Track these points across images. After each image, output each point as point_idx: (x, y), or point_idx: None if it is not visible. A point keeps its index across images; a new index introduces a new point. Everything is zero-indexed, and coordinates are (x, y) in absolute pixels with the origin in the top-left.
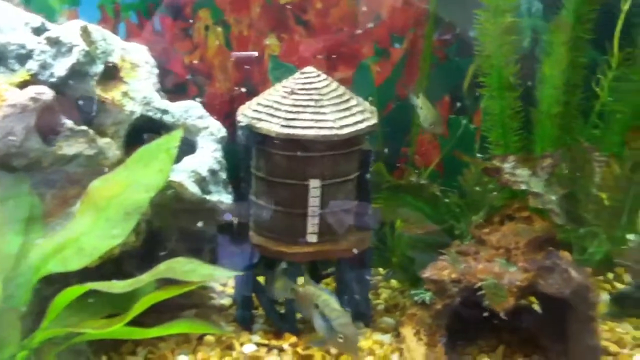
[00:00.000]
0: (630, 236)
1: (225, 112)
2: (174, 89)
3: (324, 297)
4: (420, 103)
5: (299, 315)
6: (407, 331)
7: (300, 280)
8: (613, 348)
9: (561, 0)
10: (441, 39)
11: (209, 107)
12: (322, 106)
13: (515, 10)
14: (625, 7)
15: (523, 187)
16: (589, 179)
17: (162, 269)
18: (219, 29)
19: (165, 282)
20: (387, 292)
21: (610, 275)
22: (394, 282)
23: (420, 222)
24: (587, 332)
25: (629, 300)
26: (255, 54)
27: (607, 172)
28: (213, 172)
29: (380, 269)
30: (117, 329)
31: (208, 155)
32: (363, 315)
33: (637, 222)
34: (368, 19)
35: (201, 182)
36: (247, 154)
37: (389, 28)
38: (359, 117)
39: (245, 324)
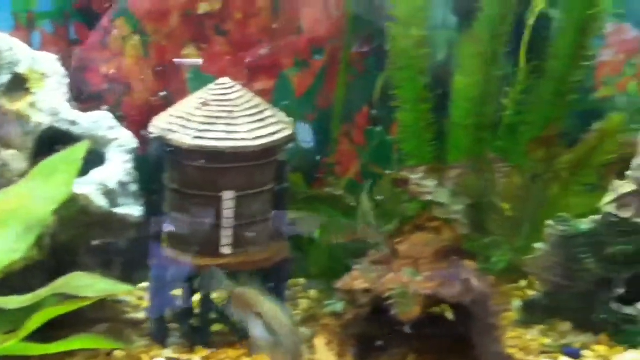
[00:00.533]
0: (537, 245)
1: (143, 123)
2: (89, 99)
3: (268, 305)
4: None
5: (218, 328)
6: (320, 342)
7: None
8: (519, 355)
9: (475, 14)
10: (360, 51)
11: (126, 117)
12: (235, 117)
13: (427, 23)
14: (530, 22)
15: (429, 197)
16: (493, 190)
17: (59, 283)
18: (137, 38)
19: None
20: (307, 302)
21: (523, 283)
22: (313, 293)
23: (340, 231)
24: (491, 340)
25: (538, 307)
26: (200, 61)
27: (508, 182)
28: (123, 185)
29: (301, 279)
30: (11, 345)
31: (117, 167)
32: None
33: (544, 231)
34: (288, 30)
35: (109, 194)
36: (159, 165)
37: (309, 39)
38: (273, 129)
39: (159, 338)
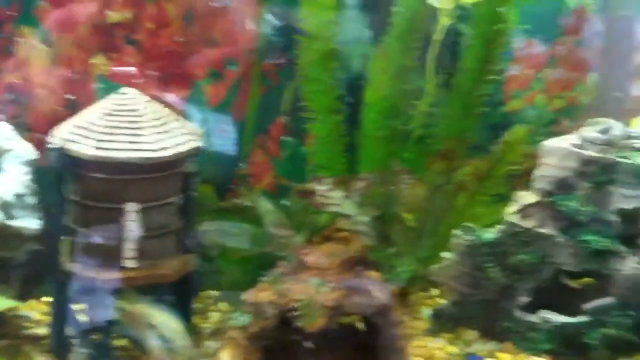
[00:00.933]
0: (445, 254)
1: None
2: None
3: (161, 317)
4: None
5: (122, 342)
6: (225, 355)
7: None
8: None
9: (387, 29)
10: (275, 63)
11: (31, 128)
12: (139, 128)
13: (339, 37)
14: (437, 37)
15: (335, 209)
16: (398, 201)
17: None
18: (44, 47)
19: None
20: (217, 315)
21: (435, 292)
22: (224, 305)
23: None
24: (394, 350)
25: (446, 316)
26: (134, 69)
27: (412, 194)
28: (19, 197)
29: (213, 292)
30: None
31: (13, 178)
32: None
33: (449, 240)
34: (202, 40)
35: (5, 207)
36: (60, 177)
37: (222, 50)
38: (180, 140)
39: (61, 354)
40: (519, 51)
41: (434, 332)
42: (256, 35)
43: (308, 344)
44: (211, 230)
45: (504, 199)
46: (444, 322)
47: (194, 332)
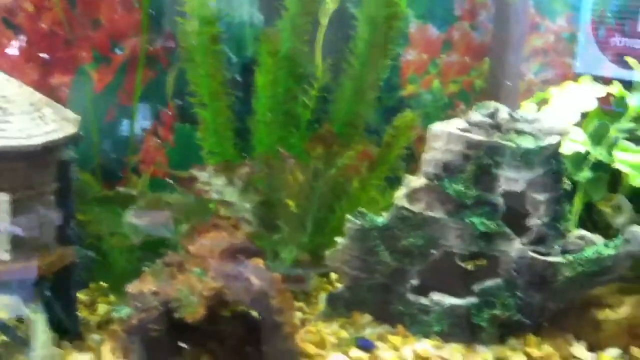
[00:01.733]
0: (338, 239)
1: None
2: None
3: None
4: None
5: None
6: (106, 348)
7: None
8: (312, 350)
9: (279, 12)
10: (165, 46)
11: None
12: (9, 114)
13: (226, 19)
14: (324, 21)
15: (216, 196)
16: (281, 187)
17: None
18: None
19: None
20: (105, 307)
21: (335, 277)
22: (112, 297)
23: (134, 233)
24: (276, 337)
25: (341, 300)
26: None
27: (292, 179)
28: None
29: (103, 283)
30: None
31: None
32: (68, 333)
33: (344, 225)
34: (85, 23)
35: None
36: None
37: (108, 34)
38: (53, 126)
39: None
40: (415, 36)
41: (329, 316)
42: (142, 17)
43: (197, 334)
44: (93, 221)
45: (398, 183)
46: (339, 307)
47: (76, 326)
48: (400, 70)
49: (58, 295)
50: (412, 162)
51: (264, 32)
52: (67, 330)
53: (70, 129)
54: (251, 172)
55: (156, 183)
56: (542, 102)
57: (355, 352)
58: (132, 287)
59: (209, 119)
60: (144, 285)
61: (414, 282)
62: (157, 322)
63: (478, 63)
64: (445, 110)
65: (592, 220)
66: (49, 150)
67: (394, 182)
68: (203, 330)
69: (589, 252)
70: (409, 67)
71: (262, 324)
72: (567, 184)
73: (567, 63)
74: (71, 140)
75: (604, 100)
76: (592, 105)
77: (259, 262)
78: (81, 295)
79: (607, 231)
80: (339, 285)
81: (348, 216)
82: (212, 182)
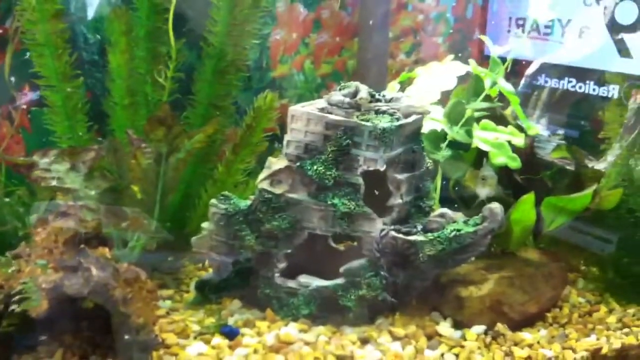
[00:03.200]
0: (204, 224)
1: None
2: None
3: None
4: None
5: None
6: None
7: None
8: (172, 339)
9: None
10: (15, 26)
11: None
12: None
13: None
14: None
15: (54, 183)
16: (128, 172)
17: None
18: None
19: None
20: None
21: (207, 262)
22: None
23: None
24: (124, 329)
25: (209, 287)
26: None
27: (134, 164)
28: None
29: None
30: None
31: None
32: None
33: (209, 210)
34: None
35: None
36: None
37: None
38: None
39: None
40: (283, 15)
41: (198, 304)
42: None
43: (53, 329)
44: None
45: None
46: (207, 294)
47: None
48: (270, 51)
49: None
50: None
51: (113, 10)
52: None
53: None
54: (97, 157)
55: (12, 171)
56: (409, 82)
57: (217, 340)
58: None
59: (58, 102)
60: None
61: (281, 265)
62: (4, 317)
63: (349, 43)
64: (318, 91)
65: (461, 196)
66: None
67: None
68: (59, 323)
69: (449, 230)
70: (279, 47)
71: (112, 316)
72: (429, 163)
73: (437, 43)
74: None
75: None
76: (452, 84)
77: (105, 251)
78: None
79: (477, 208)
80: (209, 272)
81: (212, 201)
82: (52, 168)
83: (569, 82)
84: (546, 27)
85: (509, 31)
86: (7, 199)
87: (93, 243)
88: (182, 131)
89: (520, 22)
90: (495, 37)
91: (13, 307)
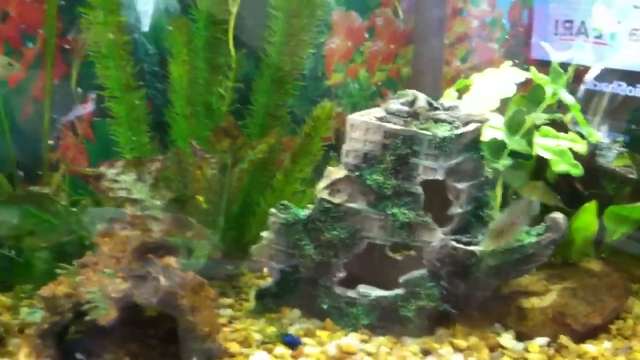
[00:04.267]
0: (263, 233)
1: None
2: None
3: None
4: None
5: None
6: (22, 353)
7: None
8: (236, 348)
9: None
10: (76, 38)
11: None
12: None
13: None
14: (234, 9)
15: (123, 193)
16: (192, 182)
17: None
18: None
19: None
20: (28, 310)
21: (267, 272)
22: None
23: (46, 234)
24: (192, 338)
25: (269, 296)
26: None
27: (199, 174)
28: None
29: (25, 286)
30: None
31: None
32: None
33: (269, 219)
34: None
35: None
36: None
37: (18, 26)
38: None
39: None
40: (337, 24)
41: (258, 313)
42: (48, 8)
43: (117, 336)
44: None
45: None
46: (267, 303)
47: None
48: (325, 60)
49: None
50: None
51: (173, 20)
52: None
53: None
54: (162, 167)
55: (76, 180)
56: (465, 89)
57: (280, 349)
58: (44, 290)
59: (122, 112)
60: (57, 288)
61: (340, 274)
62: (71, 325)
63: (403, 50)
64: (373, 99)
65: None
66: None
67: (322, 174)
68: (125, 331)
69: None
70: (334, 55)
71: (179, 324)
72: (488, 172)
73: (493, 48)
74: None
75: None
76: (511, 91)
77: (171, 260)
78: (3, 299)
79: (535, 218)
80: (269, 281)
81: (271, 210)
82: (119, 179)
83: (630, 87)
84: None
85: (555, 34)
86: (73, 209)
87: (159, 252)
88: (245, 142)
89: (568, 25)
90: (541, 41)
91: (85, 317)
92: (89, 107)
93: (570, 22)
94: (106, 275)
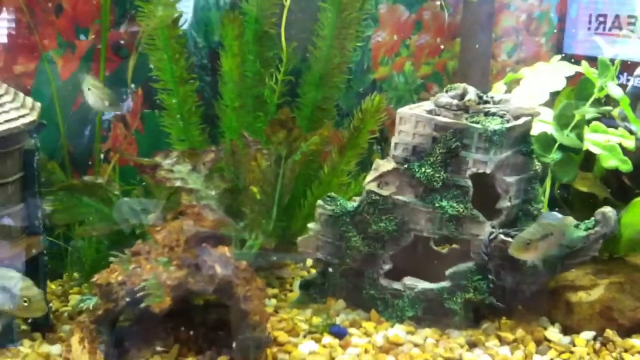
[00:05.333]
0: (310, 225)
1: None
2: None
3: None
4: (89, 84)
5: None
6: (75, 339)
7: None
8: (283, 337)
9: None
10: (129, 31)
11: None
12: None
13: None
14: (287, 2)
15: (179, 183)
16: (246, 173)
17: None
18: None
19: None
20: (78, 298)
21: (310, 263)
22: (85, 288)
23: (97, 223)
24: (244, 326)
25: (314, 287)
26: None
27: (254, 165)
28: None
29: (76, 274)
30: None
31: None
32: (40, 325)
33: (315, 211)
34: (47, 9)
35: None
36: None
37: (71, 19)
38: (12, 115)
39: None
40: (384, 17)
41: (302, 303)
42: (105, 2)
43: (168, 324)
44: (60, 210)
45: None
46: (312, 293)
47: (47, 317)
48: (371, 53)
49: None
50: (387, 145)
51: (225, 14)
52: (38, 322)
53: (31, 117)
54: (216, 158)
55: (126, 171)
56: (514, 83)
57: (327, 339)
58: (98, 278)
59: (174, 104)
60: (111, 276)
61: (387, 266)
62: (124, 312)
63: (449, 44)
64: (419, 92)
65: (566, 201)
66: (10, 138)
67: (368, 165)
68: (174, 319)
69: None
70: (380, 49)
71: (231, 312)
72: (537, 166)
73: (540, 42)
74: (33, 128)
75: None
76: (561, 85)
77: (225, 250)
78: (53, 286)
79: (583, 212)
80: (314, 272)
81: (319, 202)
82: (175, 169)
83: None
84: None
85: (589, 29)
86: (125, 199)
87: (212, 242)
88: (300, 134)
89: (601, 19)
90: (575, 35)
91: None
92: (138, 100)
93: (604, 16)
94: (160, 264)
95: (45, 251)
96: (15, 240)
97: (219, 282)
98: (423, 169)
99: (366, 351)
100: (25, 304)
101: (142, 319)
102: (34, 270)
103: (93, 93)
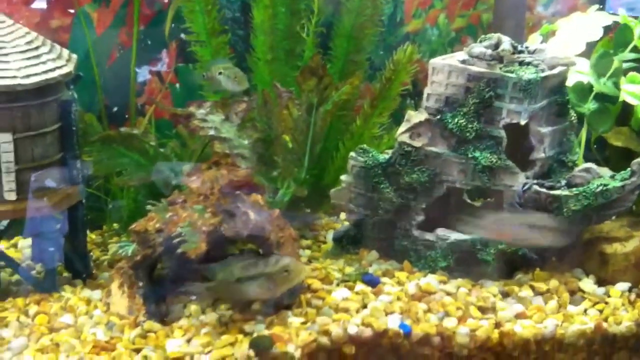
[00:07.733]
0: (343, 177)
1: None
2: None
3: None
4: (221, 68)
5: None
6: (114, 285)
7: None
8: (317, 285)
9: None
10: None
11: None
12: (5, 54)
13: None
14: None
15: (212, 132)
16: (278, 123)
17: None
18: None
19: None
20: (116, 247)
21: (344, 215)
22: (124, 237)
23: (135, 173)
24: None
25: (347, 238)
26: None
27: (286, 114)
28: None
29: (115, 225)
30: None
31: None
32: (79, 272)
33: (348, 163)
34: None
35: None
36: None
37: None
38: (50, 65)
39: None
40: None
41: (335, 254)
42: None
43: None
44: (97, 161)
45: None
46: (345, 245)
47: (88, 265)
48: (404, 5)
49: (68, 235)
50: (420, 99)
51: None
52: (79, 269)
53: (67, 68)
54: (248, 108)
55: (161, 124)
56: (550, 35)
57: (360, 287)
58: (137, 226)
59: (207, 56)
60: (149, 223)
61: (419, 218)
62: (162, 259)
63: None
64: (453, 46)
65: (602, 152)
66: (47, 89)
67: (401, 119)
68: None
69: (595, 185)
70: (413, 1)
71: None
72: (573, 116)
73: None
74: (69, 80)
75: None
76: (597, 35)
77: (258, 198)
78: (93, 236)
79: (618, 163)
80: (347, 223)
81: (351, 153)
82: (208, 119)
83: None
84: None
85: None
86: (161, 150)
87: (244, 190)
88: (331, 81)
89: None
90: None
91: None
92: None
93: None
94: (195, 211)
95: (83, 201)
96: (54, 189)
97: (252, 228)
98: (456, 120)
99: (398, 298)
100: (286, 273)
101: (179, 267)
102: (73, 219)
103: (225, 76)
